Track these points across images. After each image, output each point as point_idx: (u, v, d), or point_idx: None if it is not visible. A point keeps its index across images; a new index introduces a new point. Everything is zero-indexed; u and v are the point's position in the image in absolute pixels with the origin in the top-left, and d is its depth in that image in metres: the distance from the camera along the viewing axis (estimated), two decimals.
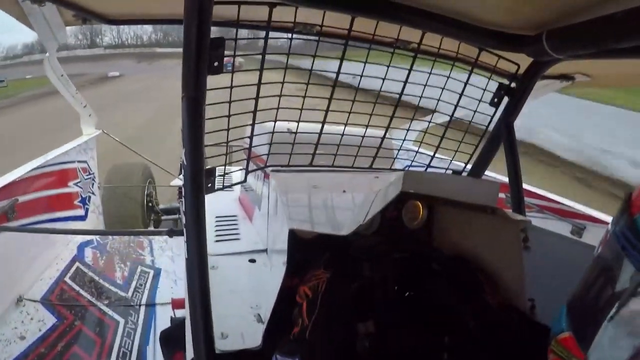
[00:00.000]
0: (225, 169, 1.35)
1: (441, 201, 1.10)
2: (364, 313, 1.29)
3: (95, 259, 2.51)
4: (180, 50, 0.91)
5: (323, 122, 1.41)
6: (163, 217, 4.10)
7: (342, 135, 1.47)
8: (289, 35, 1.23)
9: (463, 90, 1.46)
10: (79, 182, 3.02)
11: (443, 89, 1.42)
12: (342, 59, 1.27)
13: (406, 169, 1.69)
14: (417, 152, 1.69)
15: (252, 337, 1.02)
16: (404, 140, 1.66)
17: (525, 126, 9.92)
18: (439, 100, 1.46)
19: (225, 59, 0.97)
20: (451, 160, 1.71)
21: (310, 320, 0.97)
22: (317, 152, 1.49)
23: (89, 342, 1.88)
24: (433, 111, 1.53)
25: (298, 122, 1.43)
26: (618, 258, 0.56)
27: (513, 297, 1.11)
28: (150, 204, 3.93)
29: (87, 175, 3.17)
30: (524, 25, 1.19)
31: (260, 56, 1.19)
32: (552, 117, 11.97)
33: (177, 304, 1.55)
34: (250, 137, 1.34)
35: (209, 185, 1.15)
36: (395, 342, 1.21)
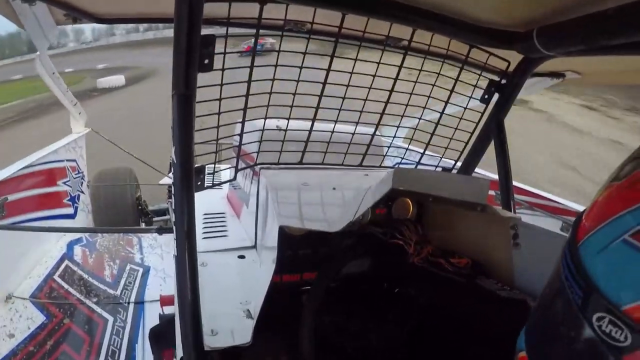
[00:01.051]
0: (215, 166, 1.35)
1: (431, 198, 1.10)
2: (349, 310, 1.30)
3: (85, 257, 2.50)
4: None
5: (313, 120, 1.41)
6: (155, 219, 4.09)
7: (332, 132, 1.47)
8: (280, 33, 1.23)
9: (453, 87, 1.46)
10: (68, 180, 3.02)
11: (433, 85, 1.42)
12: (332, 57, 1.27)
13: (396, 166, 1.69)
14: (407, 149, 1.70)
15: (242, 333, 1.01)
16: (394, 137, 1.66)
17: None
18: (429, 97, 1.46)
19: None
20: (441, 158, 1.71)
21: None
22: (307, 149, 1.48)
23: (77, 340, 1.87)
24: (423, 108, 1.53)
25: (288, 119, 1.43)
26: (562, 287, 0.51)
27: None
28: (140, 207, 3.92)
29: (76, 174, 3.16)
30: (515, 22, 1.20)
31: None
32: None
33: (165, 301, 1.54)
34: (240, 135, 1.34)
35: (199, 183, 1.14)
36: (381, 340, 1.23)
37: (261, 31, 1.16)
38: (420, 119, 1.61)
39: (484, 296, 1.05)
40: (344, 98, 1.37)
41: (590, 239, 0.48)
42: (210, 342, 0.95)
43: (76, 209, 3.11)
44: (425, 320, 1.24)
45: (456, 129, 1.56)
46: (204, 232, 1.61)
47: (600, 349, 0.44)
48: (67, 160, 3.03)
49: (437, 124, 1.57)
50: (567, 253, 0.51)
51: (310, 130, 1.43)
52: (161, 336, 1.33)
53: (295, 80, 1.29)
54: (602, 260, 0.45)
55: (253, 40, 1.16)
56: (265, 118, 1.39)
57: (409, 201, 1.37)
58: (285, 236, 1.14)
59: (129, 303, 2.14)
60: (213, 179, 1.28)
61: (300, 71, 1.26)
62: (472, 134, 1.62)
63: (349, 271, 1.25)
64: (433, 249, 1.22)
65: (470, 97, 1.54)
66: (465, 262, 1.15)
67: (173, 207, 0.96)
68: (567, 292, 0.49)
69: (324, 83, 1.31)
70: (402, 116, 1.55)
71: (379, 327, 1.27)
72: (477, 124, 1.61)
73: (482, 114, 1.59)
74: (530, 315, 0.63)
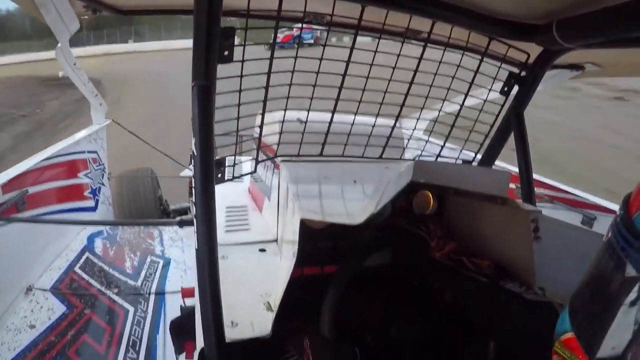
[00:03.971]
0: (235, 159, 1.35)
1: (451, 191, 1.09)
2: (370, 304, 1.30)
3: (105, 249, 2.52)
4: None
5: (333, 112, 1.41)
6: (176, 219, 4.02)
7: (352, 124, 1.46)
8: (299, 25, 1.23)
9: (473, 79, 1.45)
10: (89, 172, 3.03)
11: (453, 77, 1.41)
12: (352, 49, 1.27)
13: (416, 158, 1.68)
14: (427, 141, 1.69)
15: (262, 325, 1.02)
16: (414, 129, 1.65)
17: None
18: (449, 89, 1.45)
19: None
20: (461, 150, 1.70)
21: None
22: (327, 141, 1.48)
23: (98, 331, 1.88)
24: (443, 100, 1.52)
25: (308, 111, 1.43)
26: (619, 259, 0.56)
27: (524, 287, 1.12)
28: (162, 206, 3.89)
29: (97, 166, 3.18)
30: (534, 15, 1.19)
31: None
32: None
33: (186, 293, 1.56)
34: (260, 127, 1.34)
35: (219, 175, 1.15)
36: (398, 334, 1.23)
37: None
38: (440, 111, 1.59)
39: (508, 297, 1.05)
40: (363, 90, 1.37)
41: None
42: (231, 333, 0.96)
43: (97, 201, 3.13)
44: (449, 317, 1.24)
45: (476, 121, 1.55)
46: (226, 226, 1.62)
47: None
48: (89, 151, 3.04)
49: (457, 116, 1.56)
50: (621, 227, 0.56)
51: (330, 122, 1.43)
52: (182, 327, 1.34)
53: (315, 72, 1.29)
54: None
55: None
56: (286, 110, 1.39)
57: (430, 194, 1.36)
58: (306, 229, 1.14)
59: (149, 294, 2.15)
60: (233, 171, 1.29)
61: (320, 63, 1.26)
62: (492, 126, 1.61)
63: (371, 263, 1.25)
64: (456, 247, 1.22)
65: (490, 90, 1.53)
66: (488, 264, 1.14)
67: (194, 199, 0.96)
68: (624, 262, 0.54)
69: (344, 75, 1.31)
70: (422, 108, 1.54)
71: (401, 320, 1.28)
72: (497, 116, 1.59)
73: (502, 106, 1.58)
74: (575, 297, 0.66)
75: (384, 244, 1.27)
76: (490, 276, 1.11)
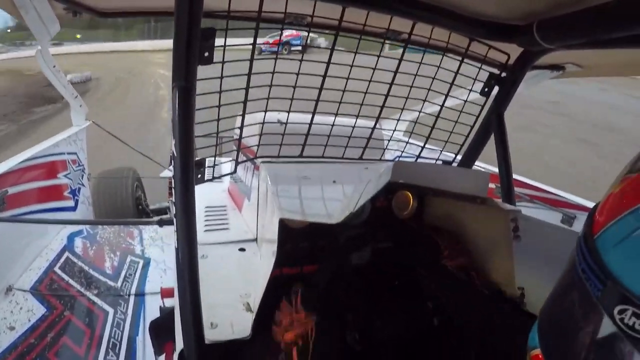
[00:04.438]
0: (215, 159, 1.35)
1: (431, 191, 1.10)
2: (352, 303, 1.31)
3: (85, 249, 2.49)
4: None
5: (313, 113, 1.41)
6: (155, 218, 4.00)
7: (333, 125, 1.47)
8: (280, 26, 1.23)
9: (453, 80, 1.46)
10: (69, 173, 3.01)
11: (433, 79, 1.42)
12: (332, 50, 1.27)
13: (396, 159, 1.69)
14: (407, 142, 1.70)
15: (242, 326, 1.01)
16: (394, 130, 1.66)
17: None
18: (429, 90, 1.46)
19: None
20: (441, 151, 1.71)
21: None
22: (308, 143, 1.48)
23: (78, 333, 1.87)
24: (423, 101, 1.53)
25: (288, 112, 1.43)
26: (579, 280, 0.50)
27: (503, 286, 1.13)
28: (140, 206, 3.89)
29: (76, 167, 3.15)
30: (515, 15, 1.19)
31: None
32: None
33: (166, 293, 1.54)
34: (241, 128, 1.34)
35: (199, 176, 1.15)
36: (383, 331, 1.24)
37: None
38: (420, 112, 1.60)
39: (504, 315, 1.06)
40: (344, 91, 1.37)
41: (608, 232, 0.48)
42: (210, 335, 0.96)
43: (77, 201, 3.11)
44: (439, 321, 1.25)
45: (456, 122, 1.56)
46: (205, 225, 1.61)
47: (621, 342, 0.44)
48: (68, 153, 3.02)
49: (438, 117, 1.57)
50: (583, 246, 0.51)
51: (311, 124, 1.43)
52: (161, 329, 1.33)
53: (295, 74, 1.29)
54: (622, 252, 0.45)
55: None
56: (266, 111, 1.39)
57: (409, 194, 1.37)
58: (285, 229, 1.14)
59: (129, 295, 2.14)
60: (213, 172, 1.28)
61: (300, 64, 1.25)
62: (472, 127, 1.62)
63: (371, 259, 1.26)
64: (468, 261, 1.23)
65: (470, 90, 1.54)
66: (492, 280, 1.16)
67: (174, 199, 0.96)
68: (585, 285, 0.49)
69: (324, 76, 1.31)
70: (402, 109, 1.55)
71: (384, 317, 1.28)
72: (477, 117, 1.60)
73: (482, 107, 1.59)
74: (542, 312, 0.62)
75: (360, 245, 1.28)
76: (492, 290, 1.12)
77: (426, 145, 1.65)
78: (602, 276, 0.46)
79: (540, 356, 0.58)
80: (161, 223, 1.93)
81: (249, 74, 1.19)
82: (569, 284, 0.54)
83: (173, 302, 1.40)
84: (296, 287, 1.07)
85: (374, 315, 1.28)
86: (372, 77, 1.35)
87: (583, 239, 0.51)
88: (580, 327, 0.50)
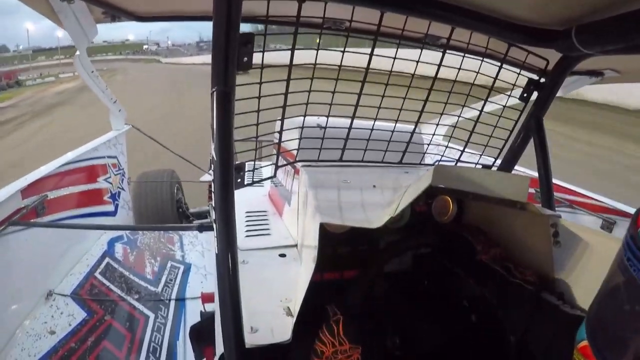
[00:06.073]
0: (254, 164, 1.36)
1: (471, 196, 1.09)
2: (391, 308, 1.30)
3: (126, 255, 2.54)
4: None
5: (352, 117, 1.42)
6: (195, 222, 4.00)
7: (372, 130, 1.47)
8: (319, 31, 1.24)
9: (492, 85, 1.44)
10: (109, 177, 3.06)
11: (472, 84, 1.41)
12: (371, 55, 1.27)
13: (436, 163, 1.68)
14: (446, 146, 1.68)
15: (282, 331, 1.01)
16: (434, 134, 1.65)
17: None
18: (468, 95, 1.45)
19: None
20: (481, 155, 1.69)
21: None
22: (347, 147, 1.49)
23: (119, 337, 1.89)
24: (462, 106, 1.51)
25: (327, 116, 1.43)
26: (627, 272, 0.56)
27: (542, 290, 1.11)
28: (180, 210, 3.91)
29: (116, 171, 3.21)
30: (553, 21, 1.18)
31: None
32: None
33: (206, 298, 1.56)
34: (280, 132, 1.35)
35: (239, 180, 1.16)
36: (423, 334, 1.22)
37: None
38: (459, 116, 1.59)
39: (547, 309, 1.04)
40: (383, 96, 1.37)
41: None
42: (251, 339, 0.96)
43: (117, 206, 3.16)
44: (477, 317, 1.24)
45: (495, 126, 1.54)
46: (246, 231, 1.62)
47: None
48: (108, 156, 3.07)
49: (477, 121, 1.56)
50: (630, 240, 0.56)
51: (350, 128, 1.44)
52: (202, 333, 1.35)
53: (334, 79, 1.30)
54: None
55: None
56: (305, 115, 1.40)
57: (449, 199, 1.36)
58: (326, 234, 1.14)
59: (170, 300, 2.16)
60: (253, 176, 1.29)
61: (340, 69, 1.26)
62: (511, 131, 1.60)
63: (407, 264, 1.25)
64: (502, 252, 1.22)
65: (510, 95, 1.52)
66: (530, 273, 1.13)
67: (213, 204, 0.97)
68: (631, 272, 0.54)
69: (363, 81, 1.32)
70: (442, 114, 1.54)
71: (423, 325, 1.27)
72: (517, 121, 1.58)
73: (522, 111, 1.57)
74: (591, 306, 0.66)
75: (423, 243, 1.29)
76: (534, 284, 1.09)
77: (465, 150, 1.64)
78: None
79: (586, 346, 0.64)
80: (201, 229, 1.96)
81: (288, 79, 1.20)
82: (616, 276, 0.59)
83: (213, 307, 1.42)
84: (336, 316, 1.06)
85: (413, 318, 1.27)
86: (411, 82, 1.35)
87: (629, 235, 0.57)
88: (626, 310, 0.56)
